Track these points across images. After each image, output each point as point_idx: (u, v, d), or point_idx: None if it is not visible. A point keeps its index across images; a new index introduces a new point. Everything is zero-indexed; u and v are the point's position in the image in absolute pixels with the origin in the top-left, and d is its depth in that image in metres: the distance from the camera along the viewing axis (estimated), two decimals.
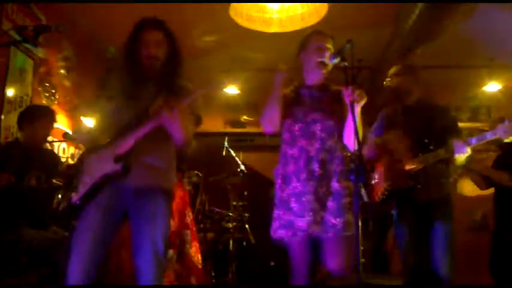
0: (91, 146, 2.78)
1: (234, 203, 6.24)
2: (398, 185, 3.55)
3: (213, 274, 5.55)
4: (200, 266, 4.40)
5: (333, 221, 2.69)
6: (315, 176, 2.76)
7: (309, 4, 4.41)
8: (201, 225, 5.65)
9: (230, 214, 6.01)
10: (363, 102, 2.65)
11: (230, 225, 5.94)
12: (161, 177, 2.72)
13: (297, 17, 4.47)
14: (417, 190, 3.50)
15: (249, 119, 9.04)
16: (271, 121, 2.90)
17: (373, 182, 3.71)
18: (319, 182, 2.76)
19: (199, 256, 4.48)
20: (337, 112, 2.85)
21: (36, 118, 3.99)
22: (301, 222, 2.72)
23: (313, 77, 2.96)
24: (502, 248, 4.24)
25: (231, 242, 5.84)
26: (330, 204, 2.73)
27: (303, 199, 2.75)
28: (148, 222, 2.60)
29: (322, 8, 4.36)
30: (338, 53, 2.65)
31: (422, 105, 3.67)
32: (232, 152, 6.27)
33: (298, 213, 2.75)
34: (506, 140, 3.22)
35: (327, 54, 2.85)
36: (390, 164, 3.63)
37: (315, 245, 2.81)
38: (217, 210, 6.03)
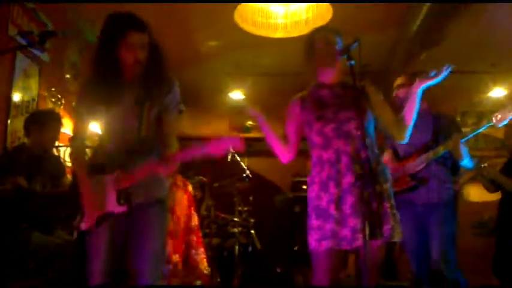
0: (83, 166, 2.70)
1: (240, 208, 6.24)
2: (400, 185, 3.62)
3: (219, 279, 5.55)
4: (206, 272, 4.41)
5: (379, 227, 2.46)
6: (358, 178, 2.53)
7: (314, 9, 4.42)
8: (207, 231, 5.66)
9: (236, 219, 6.02)
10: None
11: (236, 230, 5.94)
12: (155, 188, 2.70)
13: (301, 22, 4.48)
14: (418, 191, 3.59)
15: (254, 124, 9.03)
16: (283, 156, 2.94)
17: None
18: (363, 184, 2.51)
19: (205, 261, 4.48)
20: (366, 108, 2.70)
21: (44, 123, 4.00)
22: (345, 232, 2.58)
23: (328, 76, 2.82)
24: (504, 250, 4.27)
25: (236, 247, 5.84)
26: (376, 208, 2.47)
27: (345, 206, 2.59)
28: (147, 231, 2.63)
29: (327, 13, 4.38)
30: (344, 50, 2.57)
31: (428, 114, 3.72)
32: (237, 157, 6.28)
33: (340, 222, 2.59)
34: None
35: (334, 49, 2.72)
36: (395, 167, 3.72)
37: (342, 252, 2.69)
38: (223, 215, 6.04)
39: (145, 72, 2.64)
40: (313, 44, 2.82)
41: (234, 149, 2.45)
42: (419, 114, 3.62)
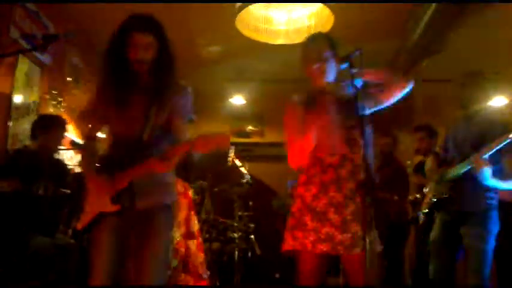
0: (90, 166, 2.72)
1: (240, 213, 6.24)
2: (439, 194, 3.62)
3: (218, 284, 5.54)
4: (205, 276, 4.40)
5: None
6: (360, 186, 2.55)
7: (316, 16, 4.42)
8: (207, 235, 5.65)
9: (235, 224, 6.02)
10: None
11: (235, 235, 5.94)
12: (162, 193, 2.69)
13: (303, 29, 4.48)
14: (451, 200, 3.49)
15: (255, 129, 9.05)
16: (303, 155, 2.73)
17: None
18: (364, 192, 2.49)
19: (205, 266, 4.47)
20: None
21: (50, 128, 4.06)
22: (345, 237, 2.56)
23: (325, 82, 2.77)
24: (503, 251, 4.27)
25: (236, 252, 5.85)
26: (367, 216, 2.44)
27: (345, 211, 2.59)
28: (152, 238, 2.60)
29: (329, 20, 4.38)
30: (346, 58, 2.56)
31: (480, 117, 3.55)
32: (237, 162, 6.28)
33: (338, 226, 2.58)
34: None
35: (323, 58, 2.72)
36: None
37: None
38: (223, 220, 6.04)
39: (154, 76, 2.63)
40: (306, 54, 2.82)
41: (220, 148, 2.37)
42: (470, 117, 3.58)
